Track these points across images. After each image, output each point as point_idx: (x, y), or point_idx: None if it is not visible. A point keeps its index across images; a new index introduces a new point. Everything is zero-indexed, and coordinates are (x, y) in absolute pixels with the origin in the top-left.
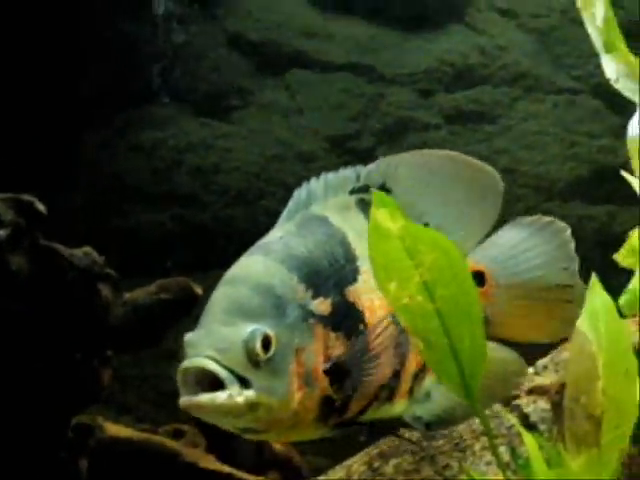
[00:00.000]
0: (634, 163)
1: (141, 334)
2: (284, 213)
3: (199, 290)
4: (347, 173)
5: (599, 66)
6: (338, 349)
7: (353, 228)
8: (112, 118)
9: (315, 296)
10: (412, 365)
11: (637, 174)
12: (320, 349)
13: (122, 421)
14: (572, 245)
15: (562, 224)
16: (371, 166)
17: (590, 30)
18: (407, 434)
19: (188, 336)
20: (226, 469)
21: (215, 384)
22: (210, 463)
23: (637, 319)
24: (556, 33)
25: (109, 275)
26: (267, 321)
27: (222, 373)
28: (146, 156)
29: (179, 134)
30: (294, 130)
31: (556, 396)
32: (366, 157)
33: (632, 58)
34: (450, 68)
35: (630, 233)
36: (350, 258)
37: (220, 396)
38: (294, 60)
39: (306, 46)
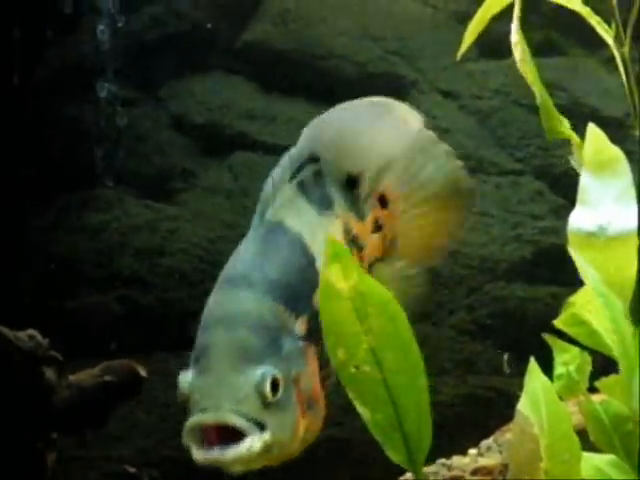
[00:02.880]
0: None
1: (86, 416)
2: (252, 225)
3: (143, 372)
4: (284, 160)
5: (541, 147)
6: (318, 362)
7: (304, 223)
8: (56, 201)
9: (296, 318)
10: None
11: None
12: (311, 369)
13: None
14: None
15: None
16: (298, 143)
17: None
18: None
19: (192, 380)
20: None
21: (224, 428)
22: None
23: (576, 400)
24: (498, 114)
25: (53, 358)
26: (270, 360)
27: (244, 425)
28: (90, 238)
29: (123, 216)
30: (238, 212)
31: (499, 476)
32: None
33: (576, 139)
34: None
35: (570, 299)
36: (310, 262)
37: (242, 447)
38: (237, 142)
39: (249, 128)
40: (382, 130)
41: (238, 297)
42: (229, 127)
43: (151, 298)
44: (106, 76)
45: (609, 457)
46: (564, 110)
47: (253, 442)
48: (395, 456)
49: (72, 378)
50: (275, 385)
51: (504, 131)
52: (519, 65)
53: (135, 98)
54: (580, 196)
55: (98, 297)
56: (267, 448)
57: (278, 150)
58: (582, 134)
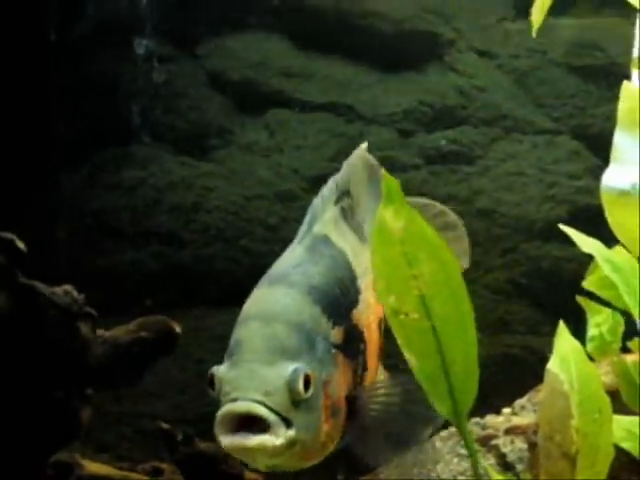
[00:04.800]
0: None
1: (120, 372)
2: (297, 235)
3: (178, 328)
4: (331, 183)
5: (578, 107)
6: (350, 375)
7: (348, 243)
8: (92, 157)
9: (333, 326)
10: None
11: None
12: (341, 378)
13: (101, 459)
14: None
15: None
16: (341, 172)
17: None
18: (384, 474)
19: (225, 373)
20: None
21: (253, 421)
22: None
23: (609, 361)
24: (535, 74)
25: (89, 313)
26: (303, 358)
27: (270, 417)
28: (126, 195)
29: (159, 173)
30: (274, 169)
31: (533, 436)
32: None
33: None
34: (429, 108)
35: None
36: (353, 279)
37: (268, 439)
38: (274, 99)
39: (286, 85)
40: None
41: (277, 294)
42: (265, 84)
43: (186, 255)
44: (144, 33)
45: None
46: (601, 70)
47: (277, 435)
48: (440, 406)
49: (107, 334)
50: (307, 382)
51: (541, 90)
52: None
53: (172, 55)
54: (613, 154)
55: (133, 253)
56: (290, 445)
57: (314, 108)
58: (617, 93)
